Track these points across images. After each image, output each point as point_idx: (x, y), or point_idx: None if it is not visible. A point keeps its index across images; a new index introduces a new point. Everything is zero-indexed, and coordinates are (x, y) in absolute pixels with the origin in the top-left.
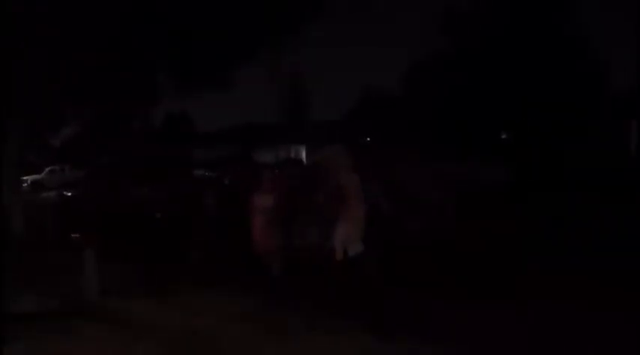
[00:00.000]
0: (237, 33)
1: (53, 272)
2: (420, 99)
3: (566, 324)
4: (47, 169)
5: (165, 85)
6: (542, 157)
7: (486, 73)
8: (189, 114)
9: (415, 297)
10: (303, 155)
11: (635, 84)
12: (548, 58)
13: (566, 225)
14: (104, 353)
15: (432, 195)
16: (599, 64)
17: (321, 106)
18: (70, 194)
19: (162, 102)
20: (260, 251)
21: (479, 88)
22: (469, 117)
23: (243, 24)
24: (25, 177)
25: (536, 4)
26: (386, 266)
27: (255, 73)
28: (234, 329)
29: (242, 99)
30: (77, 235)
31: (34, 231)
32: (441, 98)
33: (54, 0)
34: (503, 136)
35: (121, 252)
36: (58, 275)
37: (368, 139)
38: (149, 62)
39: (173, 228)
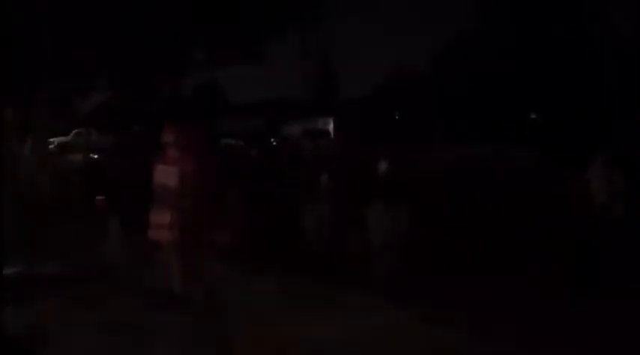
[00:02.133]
0: (269, 6)
1: (77, 237)
2: (449, 77)
3: None
4: (74, 132)
5: (196, 56)
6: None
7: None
8: (219, 86)
9: None
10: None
11: None
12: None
13: None
14: (117, 319)
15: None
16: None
17: (352, 82)
18: (96, 157)
19: (193, 74)
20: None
21: (509, 67)
22: (499, 97)
23: None
24: (52, 139)
25: None
26: None
27: (286, 47)
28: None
29: (272, 73)
30: (102, 198)
31: (60, 193)
32: (471, 77)
33: None
34: (533, 117)
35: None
36: (81, 239)
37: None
38: (182, 33)
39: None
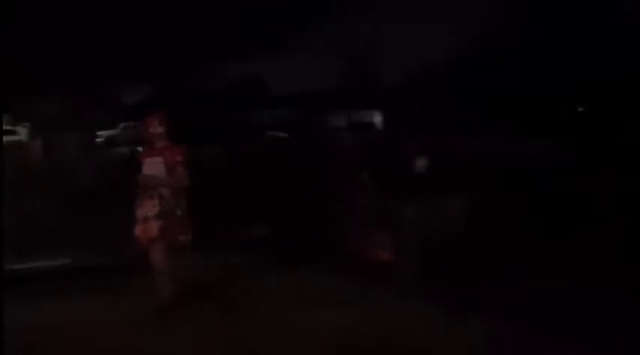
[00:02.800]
0: None
1: (123, 229)
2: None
3: None
4: (122, 125)
5: (239, 47)
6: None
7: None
8: (262, 78)
9: None
10: (377, 121)
11: None
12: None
13: None
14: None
15: None
16: None
17: (397, 72)
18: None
19: (236, 65)
20: None
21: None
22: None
23: None
24: (100, 133)
25: None
26: None
27: (330, 37)
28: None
29: (316, 63)
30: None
31: (107, 185)
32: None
33: None
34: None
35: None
36: (122, 230)
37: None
38: (225, 24)
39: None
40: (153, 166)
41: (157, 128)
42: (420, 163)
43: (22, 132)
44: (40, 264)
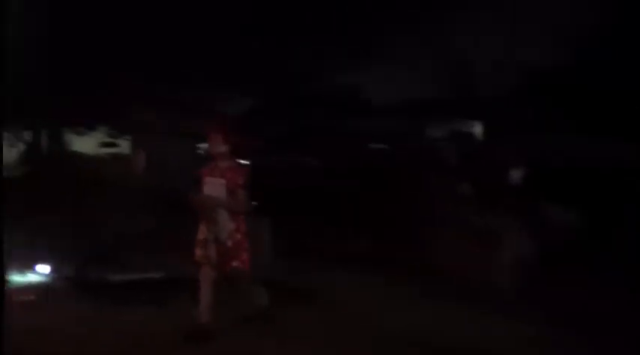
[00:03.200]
0: (405, 4)
1: None
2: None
3: None
4: None
5: (338, 58)
6: None
7: None
8: (359, 87)
9: None
10: (478, 131)
11: None
12: None
13: None
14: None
15: None
16: None
17: (497, 80)
18: (245, 162)
19: (335, 76)
20: None
21: None
22: None
23: None
24: (199, 145)
25: None
26: None
27: (428, 45)
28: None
29: (415, 73)
30: (255, 203)
31: None
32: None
33: None
34: None
35: (290, 221)
36: None
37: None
38: (323, 35)
39: (346, 202)
40: (213, 187)
41: (219, 146)
42: (521, 174)
43: (123, 145)
44: (137, 276)
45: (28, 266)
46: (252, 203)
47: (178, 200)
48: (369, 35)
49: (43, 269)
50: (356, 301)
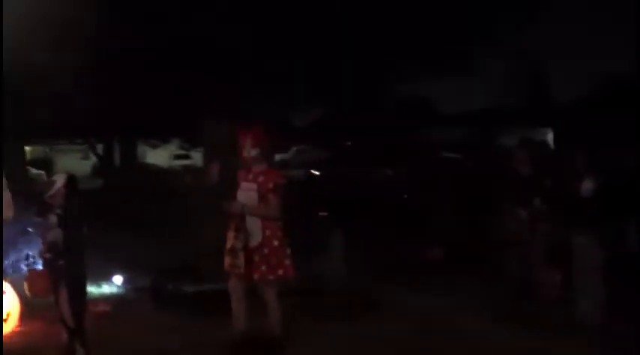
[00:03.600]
0: (479, 12)
1: (299, 250)
2: None
3: None
4: (294, 149)
5: (409, 68)
6: None
7: None
8: (429, 97)
9: None
10: (550, 139)
11: None
12: None
13: None
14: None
15: None
16: None
17: (569, 88)
18: (317, 173)
19: (406, 86)
20: None
21: None
22: None
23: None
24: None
25: None
26: None
27: (498, 54)
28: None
29: (485, 81)
30: (325, 214)
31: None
32: None
33: None
34: None
35: (368, 234)
36: (303, 253)
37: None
38: (393, 46)
39: (417, 213)
40: (244, 193)
41: (250, 150)
42: (596, 187)
43: (196, 157)
44: (213, 287)
45: (105, 277)
46: (321, 213)
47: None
48: (442, 46)
49: (119, 280)
50: (426, 315)
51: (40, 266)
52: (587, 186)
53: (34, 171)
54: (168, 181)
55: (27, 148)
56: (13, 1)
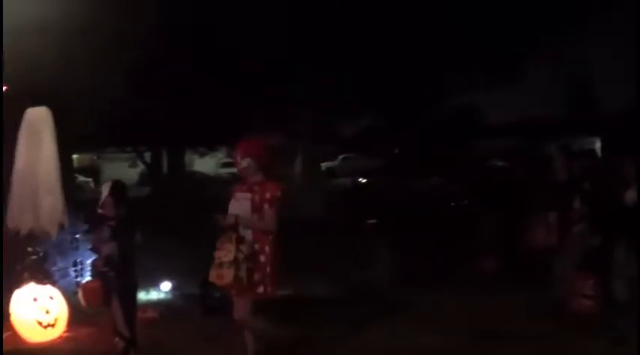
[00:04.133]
0: (523, 23)
1: (346, 258)
2: None
3: None
4: (341, 157)
5: (455, 79)
6: None
7: None
8: (476, 106)
9: None
10: (598, 148)
11: None
12: None
13: None
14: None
15: None
16: None
17: (615, 96)
18: (364, 181)
19: (453, 96)
20: None
21: None
22: None
23: (529, 13)
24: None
25: None
26: None
27: (543, 63)
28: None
29: (528, 89)
30: (373, 221)
31: (330, 216)
32: None
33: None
34: None
35: (414, 242)
36: (350, 260)
37: None
38: (439, 57)
39: (466, 222)
40: (238, 203)
41: (242, 160)
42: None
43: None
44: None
45: (153, 284)
46: (370, 221)
47: (299, 219)
48: (487, 56)
49: (167, 286)
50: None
51: (89, 275)
52: (631, 194)
53: (81, 178)
54: (215, 189)
55: (74, 156)
56: (60, 13)
